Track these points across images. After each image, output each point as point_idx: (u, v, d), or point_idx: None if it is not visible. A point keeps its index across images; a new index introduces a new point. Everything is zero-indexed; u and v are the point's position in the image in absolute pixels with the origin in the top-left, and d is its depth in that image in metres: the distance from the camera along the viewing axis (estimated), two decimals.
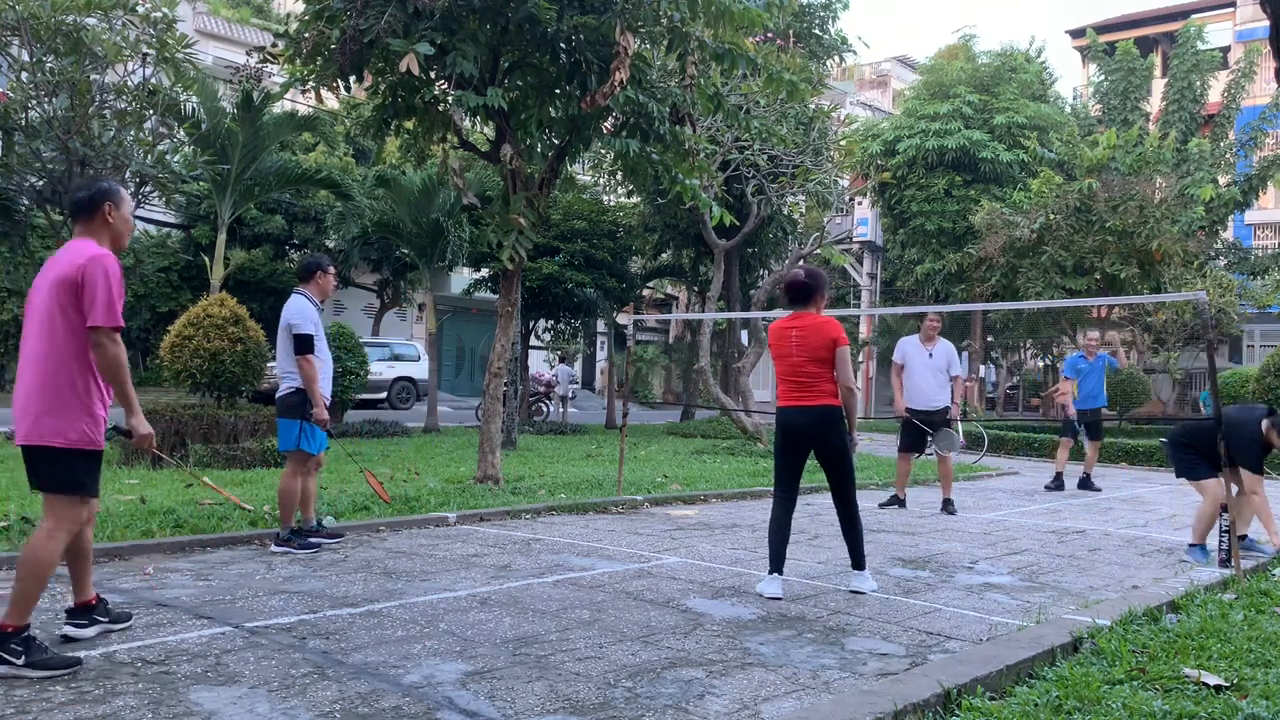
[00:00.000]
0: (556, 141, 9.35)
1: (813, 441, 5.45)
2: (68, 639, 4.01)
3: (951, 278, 23.73)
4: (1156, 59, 29.57)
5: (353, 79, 8.34)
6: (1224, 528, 6.37)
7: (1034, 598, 5.51)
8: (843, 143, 19.78)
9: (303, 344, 6.14)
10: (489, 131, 10.21)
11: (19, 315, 20.08)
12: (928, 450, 9.69)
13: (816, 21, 19.48)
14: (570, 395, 22.29)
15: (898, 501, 9.42)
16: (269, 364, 10.35)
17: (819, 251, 19.06)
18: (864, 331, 29.80)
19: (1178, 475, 7.04)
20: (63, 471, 3.76)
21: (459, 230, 16.88)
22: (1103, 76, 26.09)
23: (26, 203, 12.16)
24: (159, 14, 10.42)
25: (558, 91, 8.59)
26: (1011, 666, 3.89)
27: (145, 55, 10.64)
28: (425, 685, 3.62)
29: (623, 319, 22.70)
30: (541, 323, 21.37)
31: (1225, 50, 28.63)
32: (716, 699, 3.57)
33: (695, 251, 21.04)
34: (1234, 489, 6.56)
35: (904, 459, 9.37)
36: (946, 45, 30.15)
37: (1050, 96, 26.51)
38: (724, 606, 5.06)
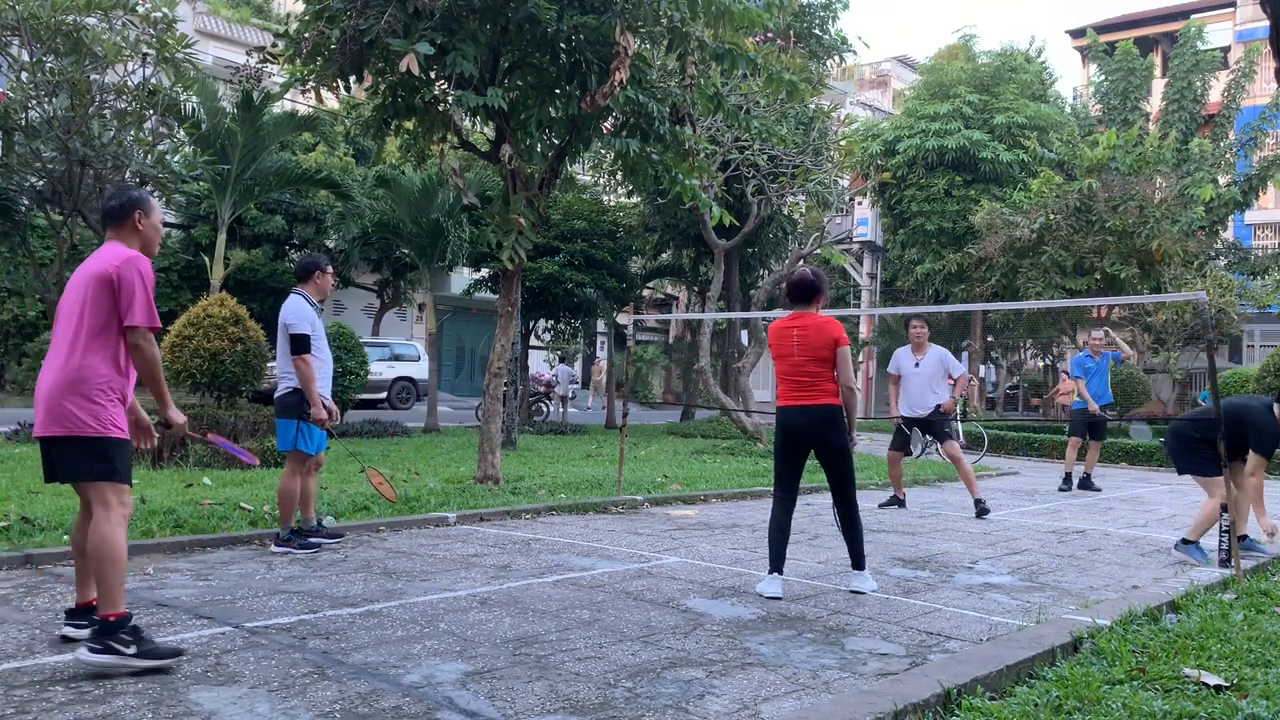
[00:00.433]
0: (556, 141, 9.35)
1: (813, 441, 5.45)
2: (67, 640, 4.00)
3: (951, 278, 23.73)
4: (1156, 59, 29.57)
5: (353, 79, 8.34)
6: (1224, 528, 6.37)
7: (1034, 598, 5.51)
8: (843, 143, 19.78)
9: (299, 344, 6.13)
10: (489, 131, 10.21)
11: (19, 315, 20.11)
12: (916, 454, 9.74)
13: (816, 21, 19.47)
14: (570, 395, 22.28)
15: (897, 502, 9.43)
16: (269, 364, 10.35)
17: (819, 251, 19.06)
18: (864, 331, 29.80)
19: (1183, 471, 6.83)
20: (99, 458, 3.81)
21: (459, 230, 16.88)
22: (1103, 76, 26.09)
23: (26, 203, 12.17)
24: (159, 14, 10.43)
25: (558, 91, 8.59)
26: (1011, 666, 3.88)
27: (145, 55, 10.65)
28: (425, 685, 3.62)
29: (623, 319, 22.69)
30: (541, 323, 21.37)
31: (1225, 50, 28.62)
32: (716, 699, 3.57)
33: (695, 251, 21.04)
34: (1233, 489, 6.55)
35: (895, 460, 9.44)
36: (946, 45, 30.15)
37: (1050, 96, 26.51)
38: (724, 606, 5.06)
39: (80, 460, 3.82)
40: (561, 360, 23.69)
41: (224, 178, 13.90)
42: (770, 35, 17.06)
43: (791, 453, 5.51)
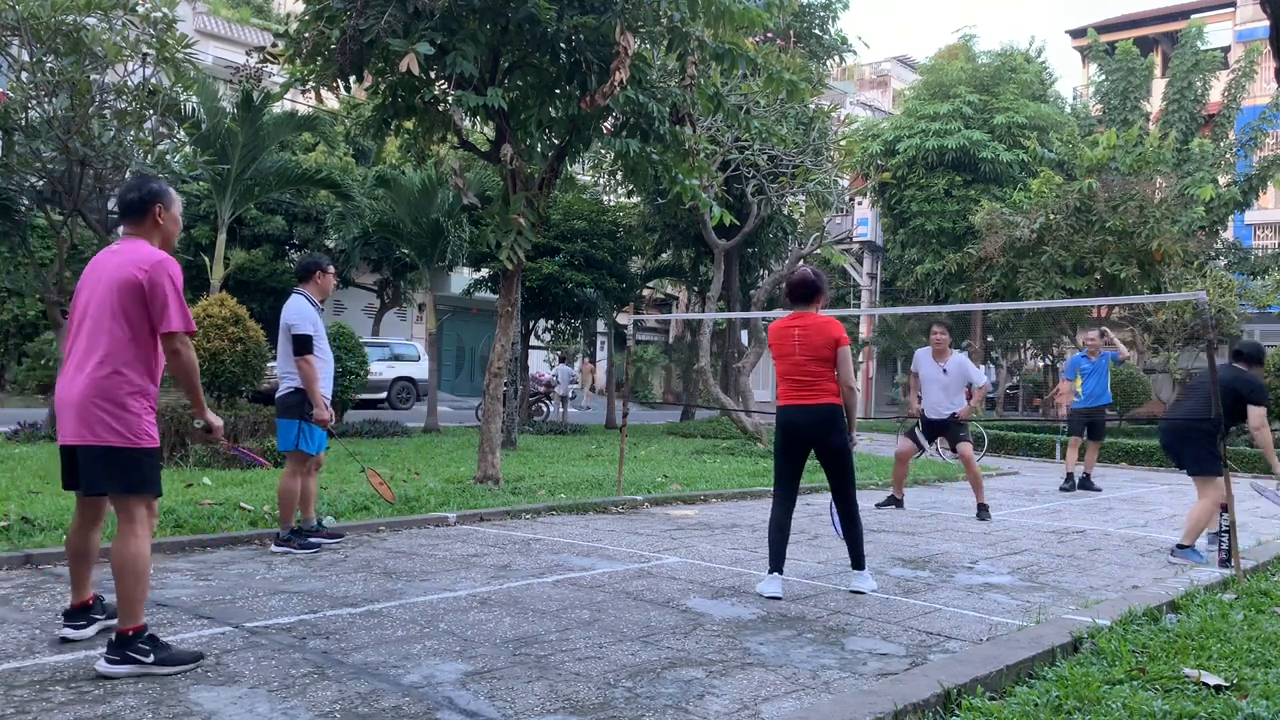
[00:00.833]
0: (556, 141, 9.34)
1: (813, 441, 5.46)
2: (66, 641, 4.00)
3: (951, 278, 23.72)
4: (1156, 59, 29.57)
5: (353, 79, 8.34)
6: (1224, 528, 6.37)
7: (1034, 598, 5.51)
8: (843, 143, 19.77)
9: (301, 345, 6.13)
10: (489, 131, 10.21)
11: (19, 315, 20.11)
12: (929, 453, 9.70)
13: (816, 21, 19.47)
14: (570, 395, 22.27)
15: (895, 502, 9.41)
16: (269, 364, 10.35)
17: (819, 251, 19.05)
18: (864, 331, 29.80)
19: (1193, 471, 6.79)
20: (130, 471, 3.75)
21: (459, 230, 16.87)
22: (1103, 76, 26.09)
23: (26, 203, 12.16)
24: (159, 14, 10.43)
25: (558, 91, 8.59)
26: (1011, 666, 3.89)
27: (145, 55, 10.65)
28: (425, 685, 3.62)
29: (623, 319, 22.69)
30: (541, 323, 21.36)
31: (1225, 50, 28.62)
32: (716, 699, 3.57)
33: (695, 251, 21.04)
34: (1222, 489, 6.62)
35: (904, 457, 9.33)
36: (946, 45, 30.13)
37: (1050, 96, 26.50)
38: (724, 606, 5.06)
39: (107, 471, 3.74)
40: (561, 360, 23.69)
41: (224, 178, 13.90)
42: (770, 35, 17.06)
43: (791, 452, 5.51)
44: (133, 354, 3.77)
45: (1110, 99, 25.62)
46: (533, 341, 21.87)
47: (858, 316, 27.95)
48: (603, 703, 3.49)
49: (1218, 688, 3.67)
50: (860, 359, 29.90)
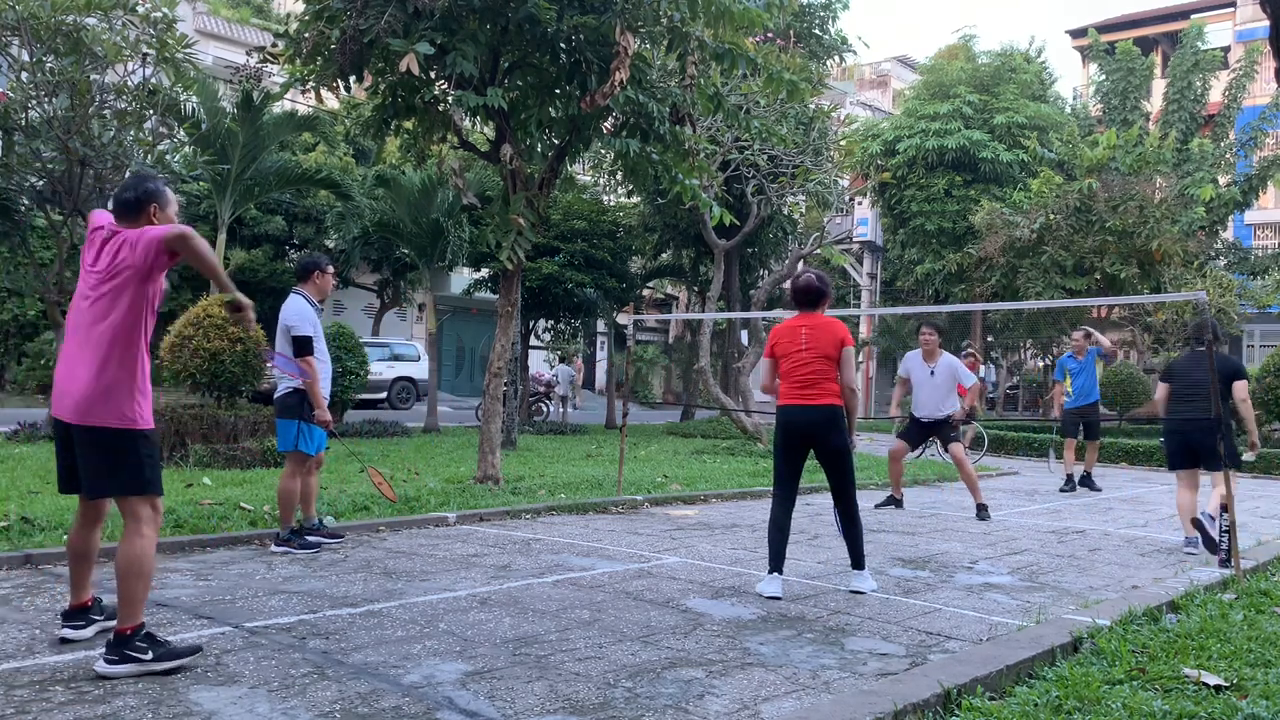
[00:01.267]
0: (556, 141, 9.34)
1: (814, 441, 5.47)
2: (65, 642, 4.00)
3: (951, 278, 23.73)
4: (1156, 59, 29.58)
5: (353, 79, 8.34)
6: (1224, 528, 6.37)
7: (1034, 598, 5.51)
8: (843, 143, 19.78)
9: (301, 346, 6.12)
10: (489, 131, 10.21)
11: (19, 315, 20.12)
12: (917, 454, 9.69)
13: (816, 21, 19.48)
14: (571, 395, 22.27)
15: (894, 502, 9.40)
16: (268, 364, 10.34)
17: (819, 251, 19.05)
18: (864, 331, 29.81)
19: (1217, 467, 6.78)
20: (128, 467, 3.73)
21: (459, 230, 16.88)
22: (1103, 76, 26.09)
23: (26, 203, 12.17)
24: (159, 14, 10.44)
25: (558, 91, 8.59)
26: (1011, 666, 3.88)
27: (145, 55, 10.65)
28: (425, 685, 3.62)
29: (623, 319, 22.70)
30: (541, 323, 21.37)
31: (1225, 50, 28.63)
32: (716, 699, 3.57)
33: (695, 251, 21.04)
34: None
35: (898, 456, 9.33)
36: (946, 45, 30.15)
37: (1050, 96, 26.52)
38: (724, 606, 5.06)
39: (109, 464, 3.73)
40: (561, 360, 23.69)
41: (224, 178, 13.91)
42: (770, 35, 17.06)
43: (792, 452, 5.52)
44: (133, 347, 3.76)
45: (1110, 99, 25.63)
46: (533, 341, 21.88)
47: (858, 317, 27.96)
48: (603, 703, 3.49)
49: (1218, 688, 3.67)
50: (860, 359, 29.91)
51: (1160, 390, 7.63)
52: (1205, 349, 6.61)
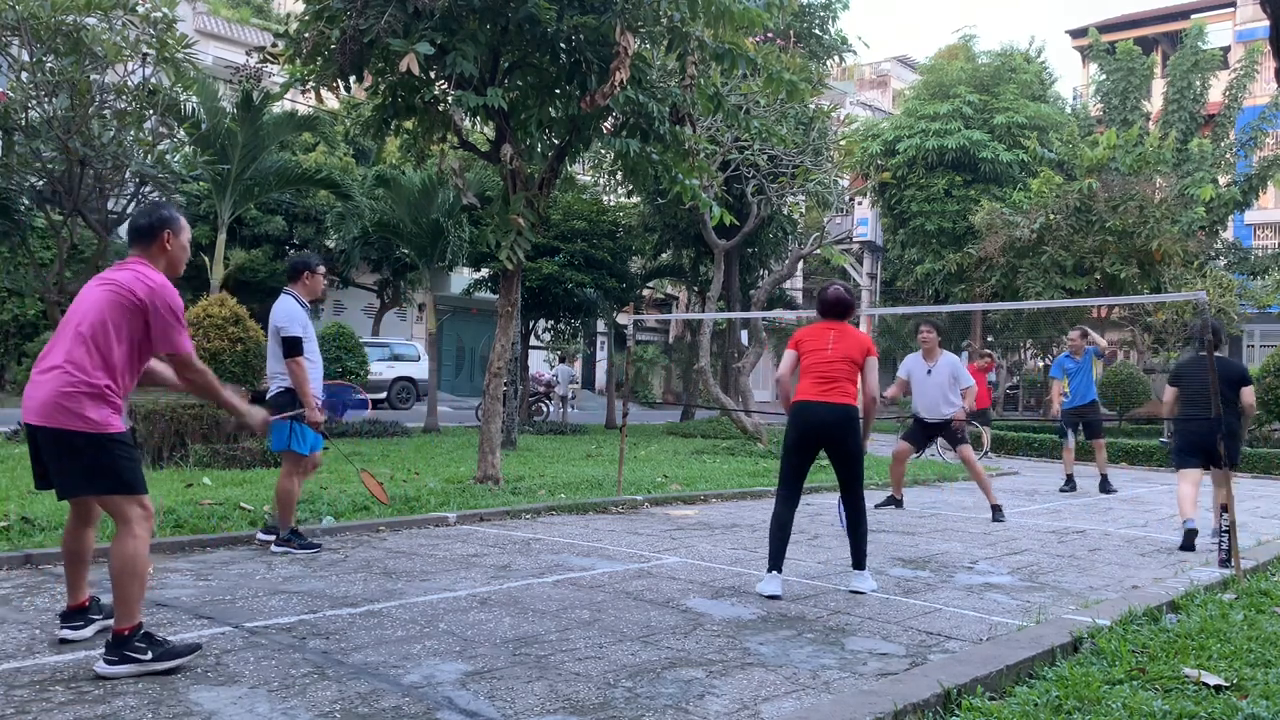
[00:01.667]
0: (556, 141, 9.34)
1: (829, 440, 5.49)
2: (65, 642, 4.00)
3: (951, 278, 23.73)
4: (1156, 59, 29.58)
5: (353, 79, 8.34)
6: (1224, 528, 6.37)
7: (1034, 598, 5.51)
8: (843, 143, 19.78)
9: (291, 347, 6.09)
10: (489, 131, 10.21)
11: (19, 315, 20.12)
12: (929, 453, 9.69)
13: (816, 21, 19.48)
14: (570, 395, 22.27)
15: (894, 502, 9.40)
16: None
17: (819, 251, 19.06)
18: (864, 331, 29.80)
19: (1228, 465, 6.79)
20: (99, 468, 3.71)
21: (459, 230, 16.88)
22: (1103, 76, 26.09)
23: (26, 203, 12.17)
24: (159, 14, 10.44)
25: (558, 91, 8.59)
26: (1011, 666, 3.88)
27: (145, 55, 10.66)
28: (425, 685, 3.62)
29: (623, 319, 22.70)
30: (541, 323, 21.37)
31: (1225, 50, 28.63)
32: (716, 699, 3.57)
33: (695, 251, 21.04)
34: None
35: (901, 458, 9.32)
36: (946, 45, 30.17)
37: (1050, 96, 26.53)
38: (724, 606, 5.06)
39: (82, 463, 3.71)
40: (561, 360, 23.69)
41: (224, 178, 13.91)
42: (770, 35, 17.06)
43: (804, 450, 5.53)
44: (110, 361, 3.76)
45: (1110, 99, 25.63)
46: (533, 341, 21.88)
47: (858, 317, 27.95)
48: (603, 703, 3.49)
49: (1218, 688, 3.67)
50: None
51: (1168, 394, 7.61)
52: (1206, 351, 6.62)
